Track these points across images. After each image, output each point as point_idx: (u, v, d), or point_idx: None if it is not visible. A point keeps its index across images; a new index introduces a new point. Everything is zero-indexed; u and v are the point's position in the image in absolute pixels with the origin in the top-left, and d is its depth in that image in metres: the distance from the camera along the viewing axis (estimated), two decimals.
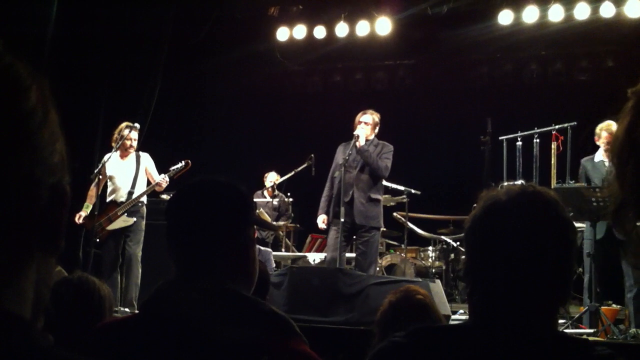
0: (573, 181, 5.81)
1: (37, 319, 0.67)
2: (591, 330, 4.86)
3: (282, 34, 9.27)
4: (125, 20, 8.05)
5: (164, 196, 6.60)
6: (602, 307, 5.20)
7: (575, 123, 6.16)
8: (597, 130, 5.89)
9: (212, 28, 9.13)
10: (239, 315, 1.35)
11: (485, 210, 1.32)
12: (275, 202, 8.36)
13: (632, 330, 4.71)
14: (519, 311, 1.25)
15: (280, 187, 8.36)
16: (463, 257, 7.68)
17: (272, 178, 8.44)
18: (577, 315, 5.29)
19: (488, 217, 1.31)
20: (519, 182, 5.72)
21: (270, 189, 8.39)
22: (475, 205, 1.37)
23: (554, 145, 6.23)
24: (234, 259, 1.50)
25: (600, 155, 5.90)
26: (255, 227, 1.65)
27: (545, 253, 1.26)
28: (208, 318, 1.34)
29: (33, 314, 0.65)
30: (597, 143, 5.92)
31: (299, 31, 9.20)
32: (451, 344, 1.26)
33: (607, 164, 5.86)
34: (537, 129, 6.47)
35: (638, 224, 0.72)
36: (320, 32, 9.14)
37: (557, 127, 6.25)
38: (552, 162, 6.20)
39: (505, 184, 1.39)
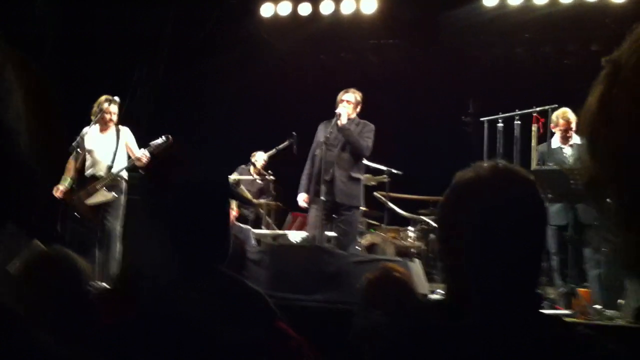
0: (552, 163, 5.85)
1: None
2: (569, 312, 4.91)
3: (267, 11, 9.19)
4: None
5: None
6: (579, 289, 5.27)
7: (557, 105, 6.18)
8: (554, 117, 5.98)
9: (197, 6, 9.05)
10: (217, 293, 1.35)
11: (453, 189, 1.31)
12: (259, 181, 8.32)
13: (609, 311, 4.77)
14: (491, 288, 1.24)
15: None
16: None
17: (260, 157, 8.34)
18: (553, 296, 5.35)
19: (456, 195, 1.30)
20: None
21: (258, 169, 8.30)
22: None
23: (534, 128, 6.25)
24: (212, 235, 1.50)
25: (557, 142, 5.98)
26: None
27: (516, 230, 1.24)
28: (188, 299, 1.33)
29: None
30: (553, 130, 6.00)
31: (284, 8, 9.13)
32: (430, 321, 1.26)
33: (564, 150, 5.93)
34: (518, 110, 6.48)
35: (610, 200, 0.70)
36: (305, 9, 9.07)
37: (538, 109, 6.26)
38: (533, 144, 6.22)
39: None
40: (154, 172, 1.65)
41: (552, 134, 6.08)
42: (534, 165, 6.00)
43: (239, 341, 1.26)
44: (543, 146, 6.09)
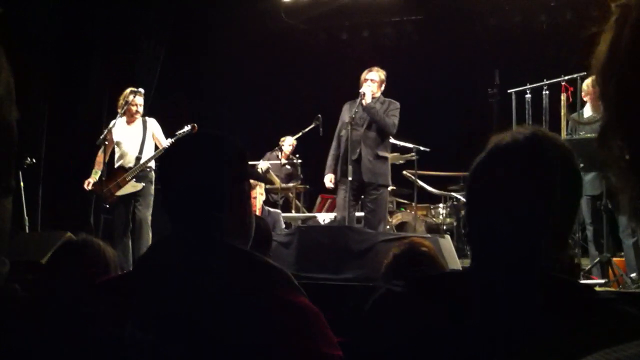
0: (583, 132, 5.73)
1: None
2: (603, 281, 4.84)
3: None
4: None
5: None
6: (614, 258, 5.18)
7: (585, 73, 6.03)
8: (584, 86, 5.84)
9: None
10: (233, 268, 1.34)
11: (489, 152, 1.28)
12: (288, 166, 8.34)
13: None
14: (517, 254, 1.22)
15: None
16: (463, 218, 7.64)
17: (289, 142, 8.36)
18: (589, 267, 5.27)
19: (491, 158, 1.27)
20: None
21: (286, 153, 8.32)
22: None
23: (563, 97, 6.12)
24: (228, 212, 1.48)
25: (589, 110, 5.85)
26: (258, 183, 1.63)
27: (549, 197, 1.21)
28: (203, 272, 1.32)
29: None
30: (585, 99, 5.87)
31: None
32: (449, 289, 1.24)
33: (596, 118, 5.80)
34: (546, 80, 6.36)
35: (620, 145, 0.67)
36: None
37: (566, 77, 6.13)
38: (562, 113, 6.10)
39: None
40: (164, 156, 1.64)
41: (584, 102, 5.95)
42: (564, 135, 5.89)
43: (253, 315, 1.25)
44: (574, 115, 5.96)
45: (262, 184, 6.39)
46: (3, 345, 0.55)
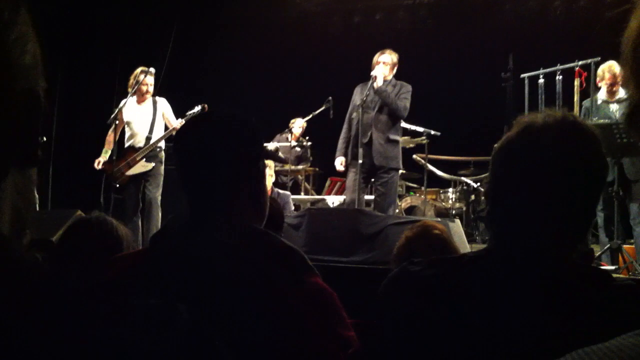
0: (596, 118, 5.69)
1: (19, 235, 0.63)
2: (613, 267, 4.82)
3: None
4: None
5: None
6: (625, 246, 5.16)
7: (600, 58, 5.99)
8: (599, 71, 5.78)
9: None
10: (249, 248, 1.33)
11: (520, 131, 1.27)
12: (298, 148, 8.32)
13: None
14: (540, 238, 1.21)
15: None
16: (483, 198, 7.66)
17: (299, 124, 8.34)
18: (598, 254, 5.25)
19: (522, 138, 1.26)
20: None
21: (297, 134, 8.30)
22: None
23: (577, 82, 6.08)
24: (243, 192, 1.48)
25: (603, 96, 5.79)
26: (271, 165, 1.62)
27: (576, 184, 1.21)
28: (219, 251, 1.32)
29: (14, 230, 0.61)
30: (599, 85, 5.81)
31: None
32: (468, 271, 1.23)
33: (610, 105, 5.76)
34: (560, 65, 6.31)
35: None
36: None
37: (580, 63, 6.09)
38: (575, 99, 6.06)
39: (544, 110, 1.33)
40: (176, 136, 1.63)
41: (598, 88, 5.90)
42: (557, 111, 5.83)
43: (270, 295, 1.25)
44: (588, 101, 5.93)
45: (272, 165, 6.37)
46: (25, 317, 0.54)
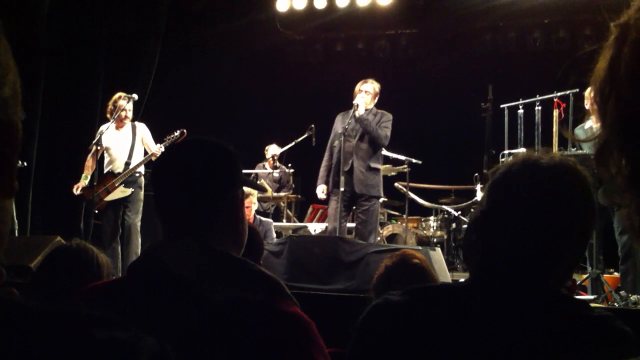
0: (575, 149, 5.75)
1: None
2: (592, 297, 4.85)
3: (282, 4, 9.15)
4: None
5: None
6: (604, 275, 5.19)
7: (578, 90, 6.07)
8: (586, 93, 5.82)
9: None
10: (226, 275, 1.33)
11: (522, 169, 1.29)
12: (276, 173, 8.34)
13: (633, 297, 4.69)
14: (527, 272, 1.22)
15: (280, 158, 8.31)
16: (464, 226, 7.68)
17: (273, 150, 8.40)
18: (578, 282, 5.27)
19: (524, 175, 1.28)
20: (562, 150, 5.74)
21: (270, 161, 8.34)
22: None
23: (555, 113, 6.15)
24: (221, 219, 1.47)
25: (591, 122, 5.84)
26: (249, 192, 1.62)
27: (570, 224, 1.25)
28: (195, 278, 1.31)
29: None
30: (587, 107, 5.86)
31: (300, 2, 9.07)
32: (447, 302, 1.23)
33: (595, 129, 5.81)
34: (539, 96, 6.40)
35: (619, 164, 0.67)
36: (320, 1, 9.02)
37: (559, 94, 6.16)
38: (554, 129, 6.12)
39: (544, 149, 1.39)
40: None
41: (577, 118, 5.94)
42: (555, 151, 5.90)
43: (247, 324, 1.24)
44: (578, 129, 5.93)
45: (255, 192, 6.37)
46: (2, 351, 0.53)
